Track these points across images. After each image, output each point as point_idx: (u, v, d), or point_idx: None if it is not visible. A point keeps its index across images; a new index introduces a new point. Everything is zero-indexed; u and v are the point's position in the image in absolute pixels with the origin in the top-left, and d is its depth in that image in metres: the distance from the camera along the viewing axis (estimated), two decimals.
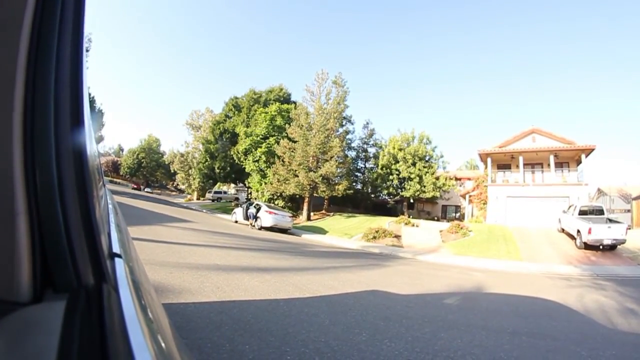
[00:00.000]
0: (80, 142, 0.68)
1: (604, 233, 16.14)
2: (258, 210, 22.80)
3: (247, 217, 23.52)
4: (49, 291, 0.58)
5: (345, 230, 24.35)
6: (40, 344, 0.47)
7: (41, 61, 0.61)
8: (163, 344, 0.73)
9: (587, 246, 16.80)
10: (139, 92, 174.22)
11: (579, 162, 29.24)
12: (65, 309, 0.54)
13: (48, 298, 0.56)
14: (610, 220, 17.35)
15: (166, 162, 76.03)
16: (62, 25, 0.65)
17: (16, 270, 0.54)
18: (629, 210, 26.02)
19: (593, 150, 27.98)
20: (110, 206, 2.05)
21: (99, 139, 56.71)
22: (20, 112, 0.56)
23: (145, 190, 72.85)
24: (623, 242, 16.33)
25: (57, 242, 0.59)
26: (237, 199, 51.57)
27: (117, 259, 0.90)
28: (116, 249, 1.02)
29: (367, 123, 42.57)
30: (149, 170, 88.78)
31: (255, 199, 35.97)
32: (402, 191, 36.04)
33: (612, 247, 16.60)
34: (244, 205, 25.17)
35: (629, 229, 17.67)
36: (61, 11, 0.66)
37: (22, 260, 0.55)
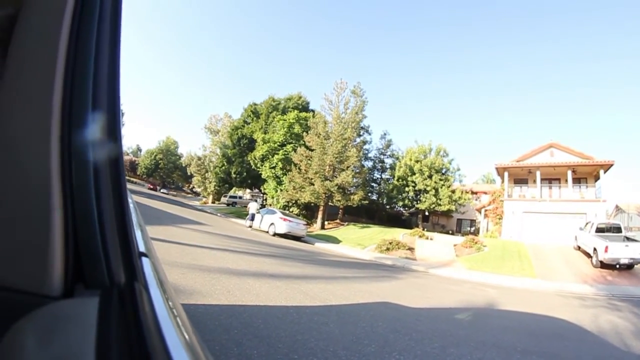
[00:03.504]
0: (117, 141, 0.70)
1: (621, 252, 15.68)
2: (259, 212, 23.93)
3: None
4: (80, 287, 0.59)
5: (359, 241, 24.20)
6: (78, 339, 0.49)
7: (80, 61, 0.63)
8: (188, 337, 0.75)
9: (603, 265, 16.34)
10: (160, 93, 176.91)
11: (597, 178, 28.65)
12: (99, 305, 0.56)
13: (79, 294, 0.58)
14: (628, 239, 16.95)
15: (183, 165, 76.84)
16: (100, 26, 0.68)
17: (49, 265, 0.56)
18: None
19: (612, 166, 27.43)
20: (131, 205, 2.08)
21: None
22: (58, 111, 0.59)
23: (161, 191, 73.38)
24: None
25: (90, 239, 0.61)
26: None
27: (144, 258, 0.93)
28: (142, 247, 1.04)
29: (385, 134, 42.63)
30: (166, 171, 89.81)
31: (270, 205, 36.13)
32: (417, 203, 35.86)
33: (629, 267, 16.13)
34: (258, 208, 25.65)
35: None
36: (100, 12, 0.69)
37: (55, 255, 0.57)
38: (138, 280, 0.69)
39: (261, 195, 47.65)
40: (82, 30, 0.65)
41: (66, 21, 0.62)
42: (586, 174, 29.48)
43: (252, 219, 24.53)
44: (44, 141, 0.58)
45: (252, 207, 24.85)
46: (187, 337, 0.73)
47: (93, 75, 0.66)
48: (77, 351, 0.47)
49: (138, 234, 1.23)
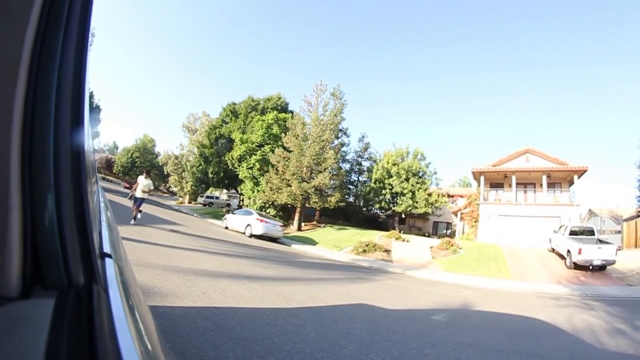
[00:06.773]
0: (79, 140, 0.67)
1: (594, 253, 16.25)
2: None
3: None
4: (38, 287, 0.57)
5: (336, 243, 24.26)
6: (28, 340, 0.47)
7: (45, 57, 0.61)
8: (150, 346, 0.73)
9: (577, 266, 16.89)
10: (138, 90, 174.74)
11: (571, 183, 29.51)
12: (54, 306, 0.54)
13: (37, 294, 0.56)
14: (601, 241, 17.49)
15: (160, 164, 75.69)
16: (69, 20, 0.66)
17: (6, 265, 0.54)
18: (619, 232, 26.05)
19: (585, 171, 28.29)
20: (102, 204, 2.03)
21: (95, 135, 56.33)
22: (21, 106, 0.56)
23: None
24: (613, 262, 16.45)
25: (49, 239, 0.59)
26: (228, 205, 51.31)
27: (107, 259, 0.89)
28: (107, 248, 1.01)
29: (363, 136, 42.98)
30: (142, 170, 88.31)
31: (247, 205, 35.95)
32: (394, 206, 36.17)
33: (601, 268, 16.68)
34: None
35: (619, 250, 17.80)
36: (69, 7, 0.66)
37: (13, 255, 0.54)
38: (97, 282, 0.66)
39: (238, 195, 47.37)
40: (51, 22, 0.62)
41: (34, 14, 0.59)
42: (561, 179, 30.31)
43: (139, 204, 15.60)
44: (4, 137, 0.55)
45: (142, 183, 16.31)
46: (146, 342, 0.72)
47: (59, 69, 0.63)
48: (25, 353, 0.45)
49: (105, 234, 1.20)
